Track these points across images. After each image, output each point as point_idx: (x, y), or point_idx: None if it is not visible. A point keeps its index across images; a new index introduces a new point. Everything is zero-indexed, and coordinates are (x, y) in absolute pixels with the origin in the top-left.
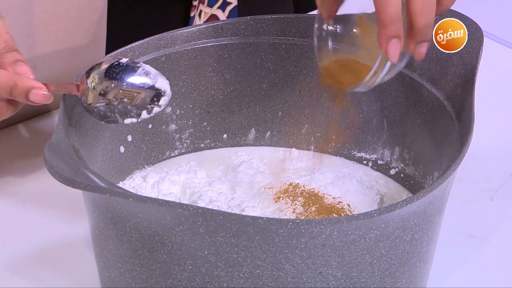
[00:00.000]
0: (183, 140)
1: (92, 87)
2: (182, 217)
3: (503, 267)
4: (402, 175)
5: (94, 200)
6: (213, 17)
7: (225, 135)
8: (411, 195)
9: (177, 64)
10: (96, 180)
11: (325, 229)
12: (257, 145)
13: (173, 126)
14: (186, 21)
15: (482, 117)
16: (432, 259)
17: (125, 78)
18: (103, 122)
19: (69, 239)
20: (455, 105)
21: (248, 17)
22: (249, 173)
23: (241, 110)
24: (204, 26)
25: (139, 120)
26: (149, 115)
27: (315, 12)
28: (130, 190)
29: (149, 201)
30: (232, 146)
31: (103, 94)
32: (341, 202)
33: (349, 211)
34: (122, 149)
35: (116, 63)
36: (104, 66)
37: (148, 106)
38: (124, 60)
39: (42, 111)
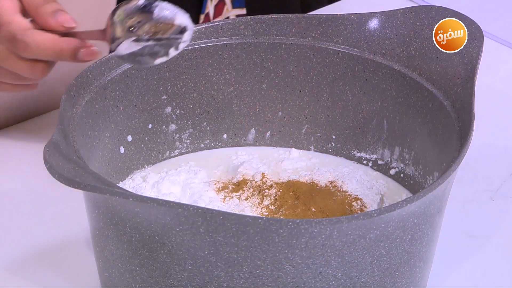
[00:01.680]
0: (183, 140)
1: (118, 24)
2: (182, 217)
3: (503, 267)
4: (402, 175)
5: (94, 200)
6: (221, 1)
7: (225, 135)
8: (411, 195)
9: (177, 64)
10: (96, 180)
11: (325, 229)
12: (257, 145)
13: (173, 126)
14: (200, 5)
15: (482, 117)
16: (432, 259)
17: (149, 15)
18: (136, 67)
19: (69, 239)
20: (455, 105)
21: (248, 17)
22: (249, 173)
23: (241, 110)
24: (204, 26)
25: (168, 58)
26: (177, 51)
27: (317, 11)
28: (130, 190)
29: (149, 201)
30: (232, 146)
31: (131, 31)
32: (341, 202)
33: (350, 211)
34: (122, 149)
35: (134, 4)
36: (125, 6)
37: (174, 42)
38: (141, 1)
39: (42, 111)
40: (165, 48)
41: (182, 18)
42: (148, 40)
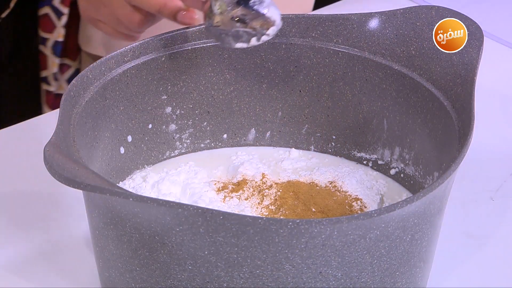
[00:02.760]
0: (183, 140)
1: (219, 12)
2: (182, 217)
3: (503, 267)
4: (402, 175)
5: (94, 200)
6: None
7: (225, 135)
8: (411, 195)
9: (177, 64)
10: (96, 180)
11: (325, 229)
12: (257, 145)
13: (173, 126)
14: None
15: (482, 117)
16: (432, 259)
17: (244, 5)
18: (218, 43)
19: (69, 239)
20: (455, 105)
21: None
22: (249, 173)
23: (241, 110)
24: (204, 26)
25: (248, 46)
26: (258, 42)
27: (317, 11)
28: (130, 190)
29: (149, 201)
30: (232, 146)
31: (233, 19)
32: (341, 202)
33: (350, 211)
34: (122, 149)
35: None
36: None
37: (258, 33)
38: None
39: (41, 111)
40: (248, 35)
41: (274, 12)
42: (236, 22)
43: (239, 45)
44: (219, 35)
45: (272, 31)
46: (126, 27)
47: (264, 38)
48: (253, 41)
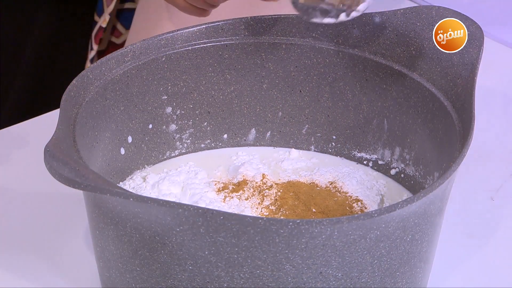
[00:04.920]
0: (184, 140)
1: None
2: (182, 217)
3: (503, 267)
4: (402, 175)
5: (94, 200)
6: None
7: (225, 135)
8: (412, 195)
9: (178, 64)
10: (97, 180)
11: (326, 229)
12: (257, 145)
13: (173, 126)
14: None
15: (482, 117)
16: (432, 259)
17: None
18: (304, 17)
19: (69, 239)
20: (455, 105)
21: (248, 17)
22: (249, 174)
23: (241, 110)
24: (204, 26)
25: (336, 21)
26: (347, 18)
27: None
28: (130, 190)
29: (150, 201)
30: (232, 146)
31: None
32: (341, 203)
33: (350, 212)
34: (122, 149)
35: None
36: None
37: (348, 9)
38: None
39: (42, 111)
40: (337, 10)
41: None
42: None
43: (327, 20)
44: (306, 9)
45: (362, 7)
46: (203, 2)
47: (354, 14)
48: (342, 17)
